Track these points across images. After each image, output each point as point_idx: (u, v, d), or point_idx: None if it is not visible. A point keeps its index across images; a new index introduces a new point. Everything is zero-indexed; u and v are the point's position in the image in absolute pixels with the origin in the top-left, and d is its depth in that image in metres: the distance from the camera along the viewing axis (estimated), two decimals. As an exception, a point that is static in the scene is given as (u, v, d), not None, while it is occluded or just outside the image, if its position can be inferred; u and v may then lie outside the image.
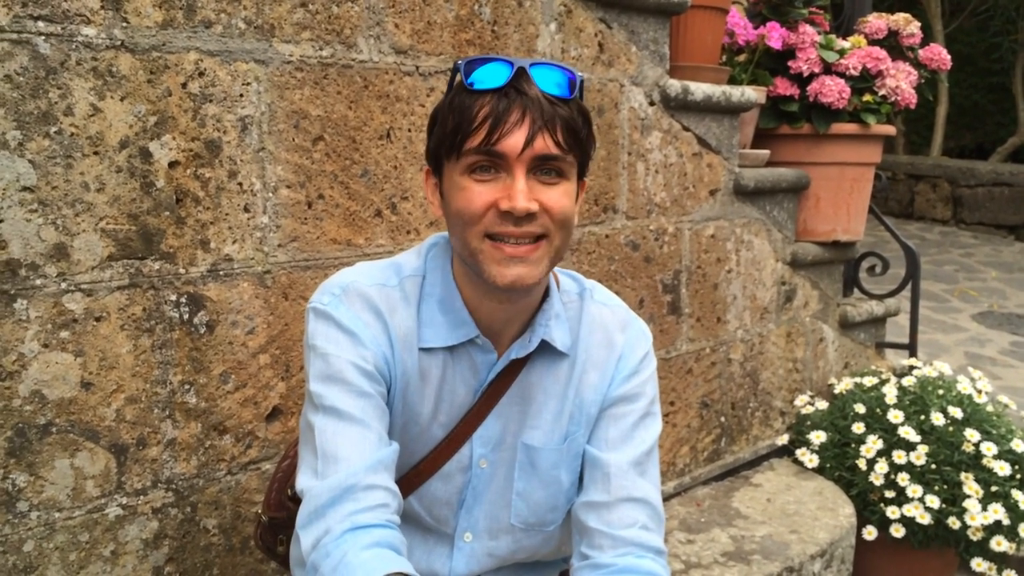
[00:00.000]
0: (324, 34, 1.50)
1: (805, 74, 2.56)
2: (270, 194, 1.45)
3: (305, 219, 1.50)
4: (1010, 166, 7.13)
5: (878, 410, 2.37)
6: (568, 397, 1.16)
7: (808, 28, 2.59)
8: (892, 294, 2.89)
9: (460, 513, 1.17)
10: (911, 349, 2.87)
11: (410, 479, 1.15)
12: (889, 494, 2.25)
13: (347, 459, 0.99)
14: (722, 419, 2.38)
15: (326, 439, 1.01)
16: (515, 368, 1.14)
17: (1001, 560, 2.32)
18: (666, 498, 2.22)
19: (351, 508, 0.96)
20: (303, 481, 1.00)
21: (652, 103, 2.14)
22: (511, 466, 1.16)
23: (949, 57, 2.75)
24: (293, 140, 1.47)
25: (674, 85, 2.16)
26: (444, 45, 1.69)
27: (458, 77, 1.01)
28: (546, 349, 1.15)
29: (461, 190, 1.00)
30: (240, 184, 1.41)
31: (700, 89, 2.21)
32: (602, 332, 1.19)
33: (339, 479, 0.97)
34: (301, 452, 1.06)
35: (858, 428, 2.35)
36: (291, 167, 1.47)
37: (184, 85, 1.34)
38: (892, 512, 2.22)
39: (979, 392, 2.42)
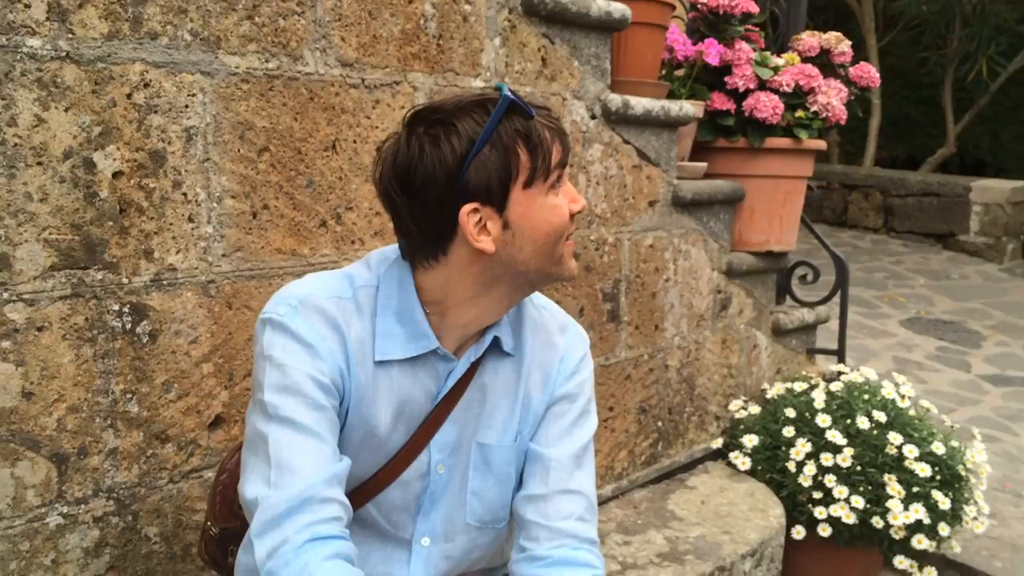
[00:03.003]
0: (270, 46, 1.52)
1: (741, 90, 2.65)
2: (215, 204, 1.46)
3: (250, 229, 1.51)
4: (939, 177, 7.39)
5: (807, 414, 2.47)
6: (518, 397, 1.23)
7: (744, 45, 2.68)
8: (822, 302, 3.00)
9: (418, 518, 1.21)
10: (840, 355, 2.98)
11: (369, 487, 1.18)
12: (817, 495, 2.34)
13: (303, 470, 1.02)
14: (659, 424, 2.45)
15: (281, 449, 1.03)
16: (469, 373, 1.18)
17: (922, 558, 2.43)
18: (604, 501, 2.28)
19: (309, 519, 0.99)
20: (254, 490, 1.03)
21: (594, 116, 2.19)
22: (466, 467, 1.21)
23: (878, 75, 2.87)
24: (238, 151, 1.49)
25: (615, 99, 2.21)
26: (390, 58, 1.72)
27: (502, 109, 1.05)
28: (495, 352, 1.20)
29: (553, 207, 1.09)
30: (184, 194, 1.42)
31: (640, 103, 2.28)
32: (543, 334, 1.25)
33: (297, 490, 1.00)
34: (248, 461, 1.08)
35: (788, 432, 2.44)
36: (236, 177, 1.49)
37: (129, 96, 1.35)
38: (820, 512, 2.31)
39: (902, 397, 2.53)
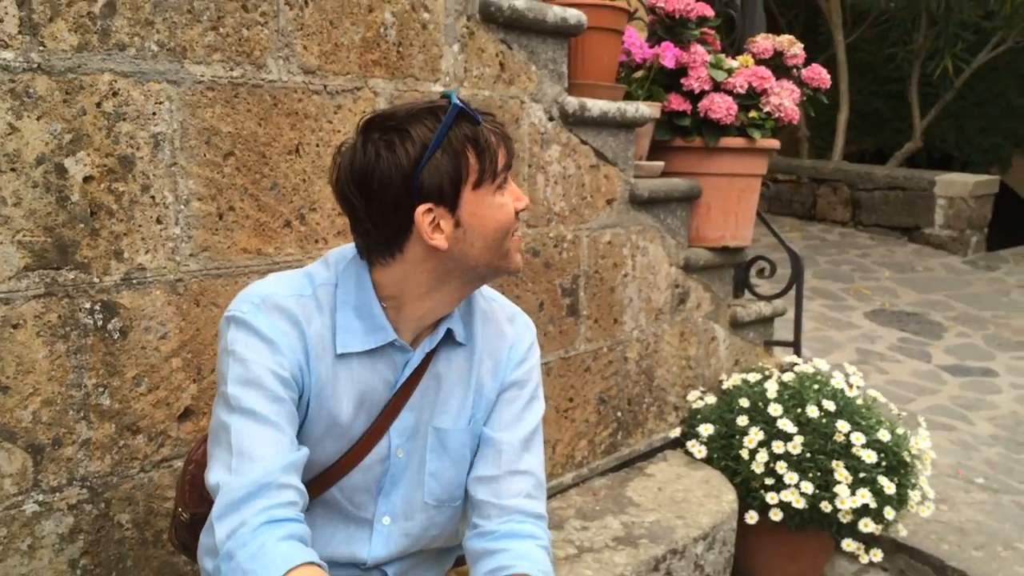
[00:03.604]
0: (235, 55, 1.60)
1: (696, 91, 2.74)
2: (182, 206, 1.54)
3: (216, 230, 1.59)
4: (905, 171, 7.54)
5: (760, 404, 2.57)
6: (470, 384, 1.32)
7: (699, 48, 2.77)
8: (779, 295, 3.10)
9: (379, 499, 1.30)
10: (796, 346, 3.09)
11: (333, 472, 1.27)
12: (769, 481, 2.44)
13: (263, 458, 1.10)
14: (619, 414, 2.54)
15: (242, 438, 1.11)
16: (425, 363, 1.27)
17: (871, 541, 2.54)
18: (565, 488, 2.37)
19: (266, 503, 1.07)
20: (216, 476, 1.11)
21: (551, 118, 2.28)
22: (423, 451, 1.30)
23: (828, 76, 2.96)
24: (205, 155, 1.56)
25: (572, 102, 2.30)
26: (351, 65, 1.80)
27: (452, 115, 1.14)
28: (448, 343, 1.30)
29: (500, 206, 1.19)
30: (153, 197, 1.50)
31: (597, 105, 2.36)
32: (493, 324, 1.35)
33: (255, 476, 1.08)
34: (212, 450, 1.16)
35: (742, 421, 2.54)
36: (202, 181, 1.56)
37: (99, 104, 1.42)
38: (771, 498, 2.42)
39: (851, 386, 2.64)
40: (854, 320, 5.40)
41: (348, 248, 1.27)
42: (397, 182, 1.13)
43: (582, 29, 2.31)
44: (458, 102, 1.14)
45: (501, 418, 1.34)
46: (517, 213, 1.22)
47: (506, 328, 1.36)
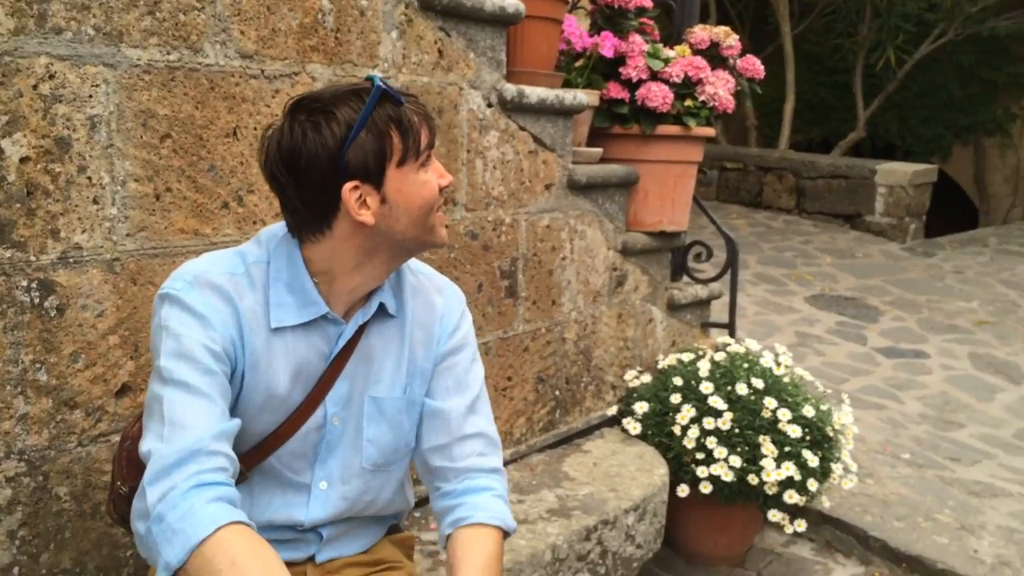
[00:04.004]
0: (171, 40, 1.63)
1: (634, 80, 2.82)
2: (119, 187, 1.57)
3: (153, 210, 1.63)
4: (847, 160, 7.74)
5: (693, 382, 2.66)
6: (403, 354, 1.39)
7: (637, 38, 2.85)
8: (714, 279, 3.20)
9: (316, 465, 1.37)
10: (730, 328, 3.19)
11: (271, 441, 1.33)
12: (700, 456, 2.54)
13: (194, 427, 1.15)
14: (557, 393, 2.62)
15: (175, 409, 1.16)
16: (358, 335, 1.33)
17: (798, 512, 2.66)
18: (503, 464, 2.44)
19: (196, 468, 1.12)
20: (148, 444, 1.15)
21: (490, 105, 2.34)
22: (359, 418, 1.37)
23: (762, 67, 3.06)
24: (141, 137, 1.60)
25: (510, 89, 2.36)
26: (289, 51, 1.84)
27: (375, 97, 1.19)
28: (380, 316, 1.36)
29: (424, 183, 1.24)
30: (89, 178, 1.53)
31: (535, 92, 2.43)
32: (423, 296, 1.42)
33: (187, 443, 1.13)
34: (146, 422, 1.20)
35: (676, 399, 2.64)
36: (139, 162, 1.60)
37: (35, 87, 1.45)
38: (701, 472, 2.52)
39: (779, 365, 2.75)
40: (795, 304, 5.56)
41: (279, 226, 1.32)
42: (324, 161, 1.19)
43: (520, 18, 2.37)
44: (381, 84, 1.20)
45: (445, 386, 1.42)
46: (441, 189, 1.28)
47: (436, 299, 1.43)
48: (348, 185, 1.20)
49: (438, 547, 1.85)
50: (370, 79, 1.22)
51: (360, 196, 1.21)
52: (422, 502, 2.16)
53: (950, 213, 9.00)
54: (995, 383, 4.55)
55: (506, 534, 1.38)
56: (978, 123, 9.26)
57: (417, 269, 1.45)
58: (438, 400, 1.41)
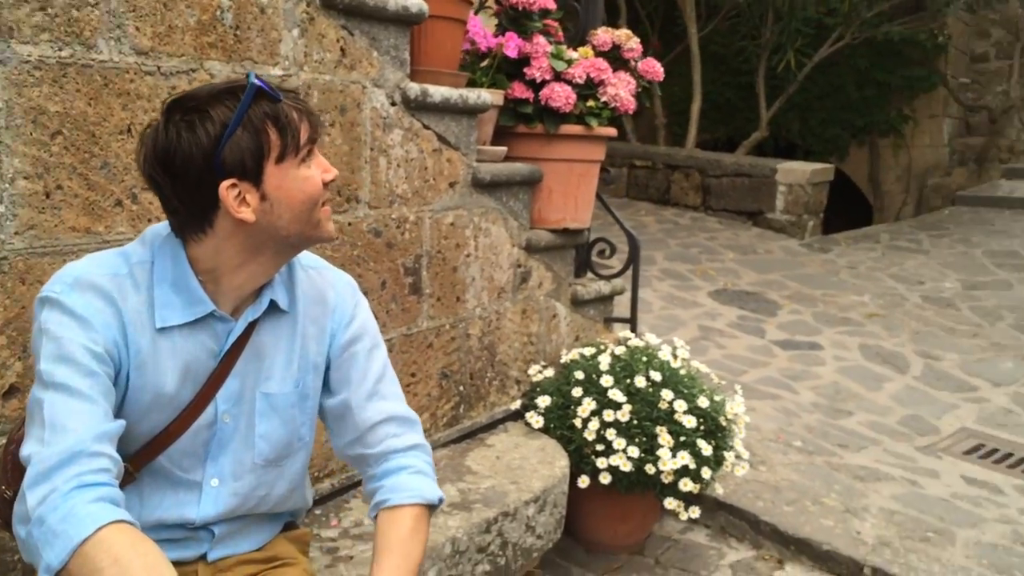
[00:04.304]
0: (63, 36, 1.61)
1: (538, 80, 2.88)
2: (7, 185, 1.54)
3: (43, 209, 1.60)
4: (750, 159, 7.99)
5: (594, 376, 2.74)
6: (295, 350, 1.41)
7: (541, 39, 2.91)
8: (617, 275, 3.29)
9: (207, 463, 1.37)
10: (632, 323, 3.29)
11: (161, 440, 1.33)
12: (600, 447, 2.62)
13: (75, 429, 1.14)
14: (461, 388, 2.66)
15: (55, 412, 1.15)
16: (248, 331, 1.35)
17: (695, 500, 2.77)
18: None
19: (78, 470, 1.12)
20: (29, 448, 1.14)
21: (394, 103, 2.36)
22: (251, 415, 1.38)
23: (662, 70, 3.16)
24: (31, 134, 1.57)
25: (414, 88, 2.39)
26: (186, 47, 1.82)
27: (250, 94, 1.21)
28: (272, 312, 1.38)
29: (306, 178, 1.26)
30: (-25, 176, 1.50)
31: (439, 92, 2.46)
32: (314, 291, 1.45)
33: (67, 445, 1.13)
34: (27, 427, 1.19)
35: (577, 392, 2.71)
36: (29, 160, 1.57)
37: (-86, 81, 1.41)
38: (601, 463, 2.60)
39: (676, 359, 2.85)
40: (699, 299, 5.73)
41: (163, 226, 1.32)
42: (199, 160, 1.20)
43: (424, 17, 2.39)
44: (256, 81, 1.22)
45: (348, 378, 1.45)
46: (326, 184, 1.30)
47: (328, 294, 1.46)
48: (225, 183, 1.21)
49: (337, 543, 1.89)
50: (247, 76, 1.24)
51: (239, 194, 1.22)
52: (323, 499, 2.18)
53: (847, 210, 9.38)
54: (883, 373, 4.79)
55: (434, 506, 1.43)
56: (873, 124, 9.67)
57: (308, 263, 1.47)
58: (342, 393, 1.44)
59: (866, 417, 4.21)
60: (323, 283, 1.46)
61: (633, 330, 3.26)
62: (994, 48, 10.72)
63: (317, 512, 2.14)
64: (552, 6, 2.95)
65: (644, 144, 8.95)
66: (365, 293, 2.24)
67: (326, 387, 1.47)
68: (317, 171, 1.29)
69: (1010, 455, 3.89)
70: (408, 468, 1.42)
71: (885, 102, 9.57)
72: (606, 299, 3.33)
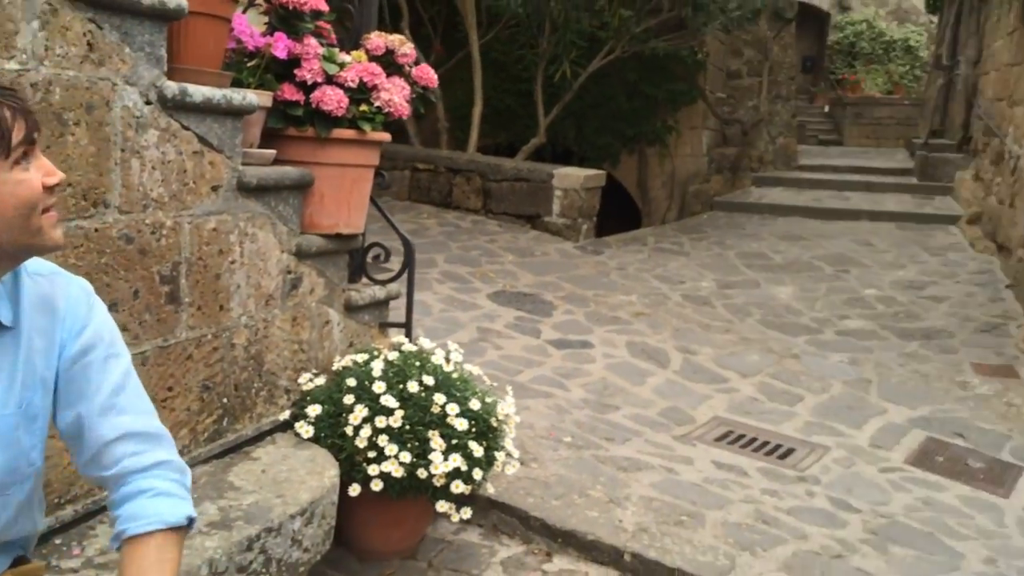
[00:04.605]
0: None
1: (309, 82, 2.83)
2: None
3: None
4: (529, 164, 8.28)
5: (367, 382, 2.74)
6: (18, 367, 1.29)
7: (312, 41, 2.86)
8: (392, 280, 3.30)
9: None
10: (407, 328, 3.31)
11: None
12: (372, 454, 2.62)
13: None
14: (224, 400, 2.57)
15: None
16: None
17: (468, 501, 2.83)
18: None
19: None
20: None
21: (149, 102, 2.23)
22: None
23: (436, 76, 3.19)
24: None
25: (172, 87, 2.27)
26: None
27: None
28: None
29: (19, 182, 1.17)
30: None
31: (199, 91, 2.35)
32: (41, 302, 1.34)
33: None
34: None
35: (349, 399, 2.69)
36: None
37: None
38: (373, 470, 2.60)
39: (448, 362, 2.91)
40: (478, 301, 5.85)
41: None
42: None
43: (183, 13, 2.28)
44: None
45: (81, 392, 1.35)
46: (49, 188, 1.22)
47: (58, 302, 1.36)
48: None
49: (80, 575, 1.77)
50: None
51: None
52: (66, 527, 2.03)
53: (620, 214, 9.93)
54: (647, 368, 5.12)
55: (184, 528, 1.35)
56: (641, 133, 10.30)
57: (36, 270, 1.36)
58: (75, 408, 1.34)
59: (631, 410, 4.49)
60: (53, 291, 1.35)
61: (408, 335, 3.28)
62: (746, 66, 11.77)
63: (58, 542, 1.98)
64: (324, 8, 2.91)
65: (427, 147, 9.02)
66: (114, 304, 2.13)
67: (58, 403, 1.36)
68: (37, 174, 1.20)
69: (755, 439, 4.29)
70: (148, 491, 1.33)
71: (652, 113, 10.22)
72: (381, 304, 3.32)
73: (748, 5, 9.01)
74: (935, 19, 15.58)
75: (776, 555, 3.06)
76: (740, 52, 11.62)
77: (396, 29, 8.50)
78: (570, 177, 7.78)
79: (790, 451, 4.17)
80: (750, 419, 4.56)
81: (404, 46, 3.14)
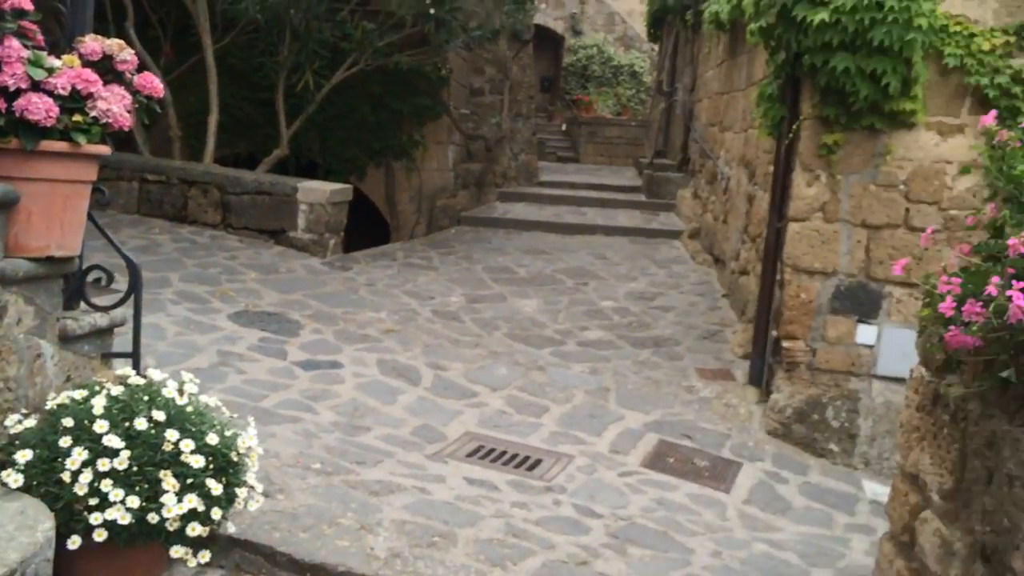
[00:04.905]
0: None
1: (12, 89, 2.52)
2: None
3: None
4: (272, 176, 7.98)
5: (87, 421, 2.48)
6: None
7: (15, 43, 2.55)
8: (116, 305, 3.02)
9: None
10: (135, 358, 3.04)
11: None
12: (94, 501, 2.37)
13: None
14: (-92, 452, 2.21)
15: None
16: None
17: (207, 543, 2.63)
18: None
19: None
20: None
21: None
22: None
23: (162, 85, 2.97)
24: None
25: None
26: None
27: None
28: None
29: None
30: None
31: None
32: None
33: None
34: None
35: (66, 441, 2.42)
36: None
37: None
38: (95, 518, 2.35)
39: (183, 394, 2.70)
40: (218, 323, 5.54)
41: None
42: None
43: None
44: None
45: None
46: None
47: None
48: None
49: None
50: None
51: None
52: None
53: (369, 229, 9.85)
54: (398, 386, 5.09)
55: None
56: (388, 147, 10.28)
57: None
58: None
59: (383, 431, 4.43)
60: None
61: (136, 366, 3.02)
62: (488, 84, 12.14)
63: None
64: (29, 7, 2.60)
65: (158, 157, 8.43)
66: None
67: None
68: None
69: (504, 452, 4.39)
70: None
71: (398, 127, 10.24)
72: (104, 332, 3.03)
73: (488, 24, 9.29)
74: (656, 47, 16.95)
75: (526, 567, 3.14)
76: (482, 70, 11.96)
77: (120, 30, 7.89)
78: (316, 191, 7.59)
79: (538, 462, 4.30)
80: (500, 432, 4.66)
81: (124, 51, 2.89)
